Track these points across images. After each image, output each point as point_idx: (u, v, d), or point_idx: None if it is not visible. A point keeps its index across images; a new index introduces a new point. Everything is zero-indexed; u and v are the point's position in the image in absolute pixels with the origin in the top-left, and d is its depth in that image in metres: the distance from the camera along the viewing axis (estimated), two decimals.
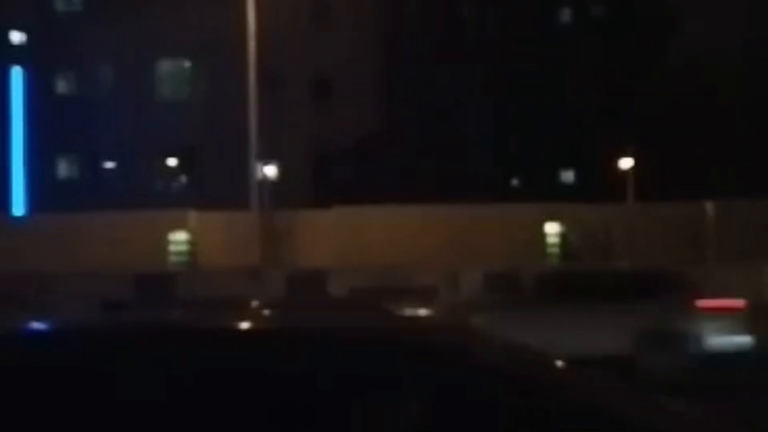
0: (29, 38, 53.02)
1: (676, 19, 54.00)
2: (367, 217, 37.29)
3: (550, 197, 42.50)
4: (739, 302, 19.68)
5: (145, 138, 53.91)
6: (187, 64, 56.43)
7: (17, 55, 52.71)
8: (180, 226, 37.44)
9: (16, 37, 53.02)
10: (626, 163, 48.90)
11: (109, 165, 55.84)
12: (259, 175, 39.25)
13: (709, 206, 37.61)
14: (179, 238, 37.24)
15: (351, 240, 36.16)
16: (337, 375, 4.15)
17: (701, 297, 19.81)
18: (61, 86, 56.38)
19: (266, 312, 4.92)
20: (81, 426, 4.11)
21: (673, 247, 35.18)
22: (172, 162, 56.11)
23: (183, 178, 56.39)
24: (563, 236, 37.69)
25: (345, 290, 28.49)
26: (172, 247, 37.07)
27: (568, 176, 57.40)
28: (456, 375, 4.16)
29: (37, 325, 4.65)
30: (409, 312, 5.64)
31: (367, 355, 4.23)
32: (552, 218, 37.73)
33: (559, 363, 4.52)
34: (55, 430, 4.12)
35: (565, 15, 57.88)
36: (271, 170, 44.64)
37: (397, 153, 51.92)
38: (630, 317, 19.13)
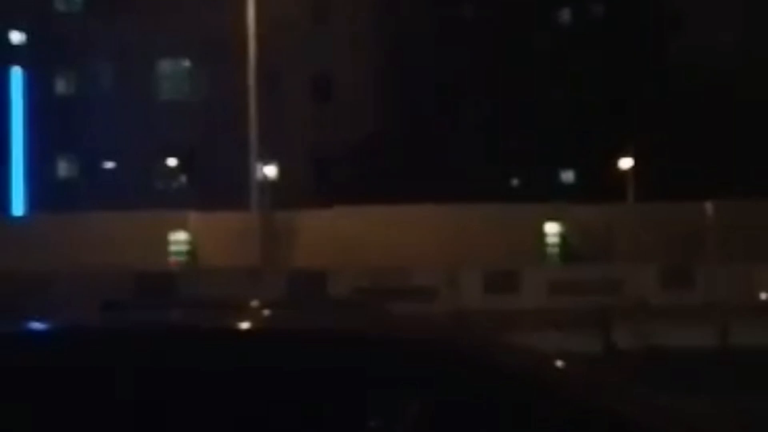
0: (29, 38, 53.04)
1: (676, 19, 54.00)
2: (367, 217, 37.31)
3: (550, 197, 42.54)
4: None
5: (145, 138, 53.92)
6: (187, 64, 56.43)
7: (17, 55, 52.72)
8: (180, 226, 37.47)
9: (16, 37, 53.04)
10: (626, 163, 48.90)
11: (109, 165, 55.84)
12: (259, 176, 39.25)
13: (709, 206, 37.63)
14: (179, 238, 37.27)
15: (351, 240, 36.18)
16: (337, 375, 4.15)
17: None
18: (61, 86, 56.38)
19: (265, 312, 4.92)
20: (81, 426, 4.12)
21: (673, 247, 35.22)
22: (172, 162, 56.11)
23: (183, 179, 56.39)
24: (563, 236, 37.72)
25: (345, 290, 28.50)
26: (172, 248, 37.11)
27: (568, 176, 57.40)
28: (456, 375, 4.16)
29: (36, 325, 4.65)
30: (408, 312, 5.65)
31: (367, 355, 4.23)
32: (552, 218, 37.77)
33: (560, 362, 4.52)
34: (56, 430, 4.12)
35: (565, 15, 57.88)
36: (271, 170, 44.65)
37: (397, 153, 51.93)
38: None
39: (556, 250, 37.68)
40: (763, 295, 25.44)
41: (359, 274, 30.86)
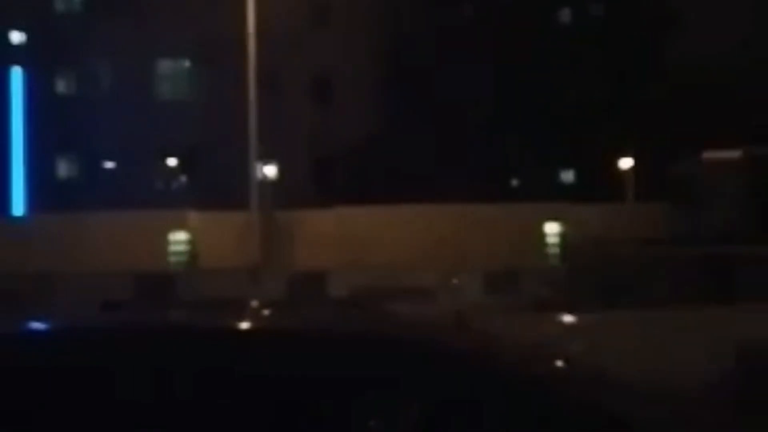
0: (29, 38, 53.05)
1: (676, 19, 54.01)
2: (367, 217, 37.31)
3: (550, 197, 42.51)
4: None
5: (145, 138, 53.92)
6: (187, 64, 56.44)
7: (17, 55, 52.74)
8: (180, 226, 37.46)
9: (16, 37, 53.05)
10: (626, 163, 48.90)
11: (109, 165, 55.85)
12: (259, 175, 39.24)
13: None
14: (179, 238, 37.26)
15: (351, 240, 36.19)
16: (337, 375, 4.15)
17: None
18: (61, 86, 56.39)
19: (266, 312, 4.92)
20: (80, 426, 4.12)
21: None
22: (172, 162, 56.11)
23: (183, 178, 56.39)
24: (563, 236, 37.70)
25: (345, 290, 28.47)
26: (172, 248, 37.10)
27: (568, 176, 57.42)
28: (456, 375, 4.16)
29: (37, 325, 4.65)
30: (408, 312, 5.65)
31: (367, 356, 4.24)
32: (552, 218, 37.76)
33: (560, 362, 4.52)
34: (55, 430, 4.12)
35: (565, 15, 57.89)
36: (271, 170, 44.65)
37: (397, 153, 51.92)
38: None
39: (556, 250, 37.65)
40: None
41: (359, 274, 30.84)
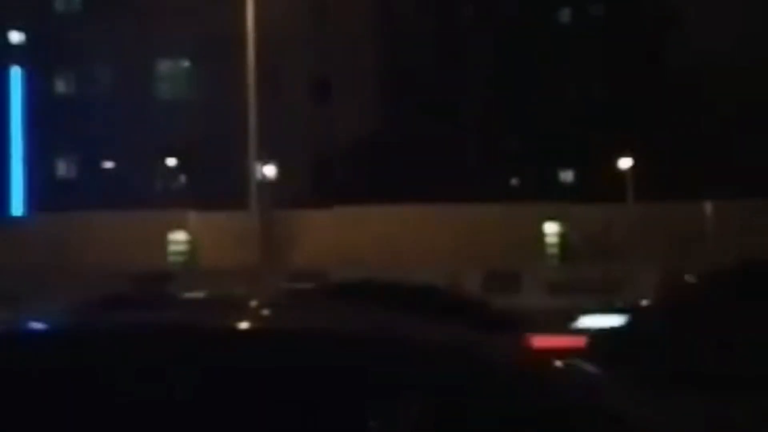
0: (29, 38, 53.08)
1: (675, 19, 54.03)
2: (367, 217, 37.35)
3: (550, 197, 42.55)
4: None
5: (145, 138, 53.93)
6: (187, 64, 56.45)
7: (17, 55, 52.76)
8: (179, 226, 37.50)
9: (16, 37, 53.08)
10: (626, 163, 48.89)
11: (109, 165, 55.86)
12: (258, 176, 39.24)
13: (709, 206, 37.65)
14: (178, 238, 37.30)
15: (351, 240, 36.20)
16: (337, 375, 4.15)
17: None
18: (61, 86, 56.40)
19: (266, 312, 4.91)
20: (80, 426, 4.11)
21: (673, 247, 35.25)
22: (171, 162, 56.11)
23: (182, 178, 56.39)
24: (563, 236, 37.75)
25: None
26: (172, 247, 37.13)
27: (568, 176, 57.41)
28: (456, 374, 4.16)
29: (36, 325, 4.65)
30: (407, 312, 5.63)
31: (368, 355, 4.23)
32: (552, 218, 37.79)
33: (559, 362, 4.52)
34: (55, 430, 4.12)
35: (565, 15, 57.92)
36: (270, 170, 44.64)
37: (397, 153, 51.94)
38: None
39: (556, 250, 37.69)
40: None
41: (358, 274, 30.83)
